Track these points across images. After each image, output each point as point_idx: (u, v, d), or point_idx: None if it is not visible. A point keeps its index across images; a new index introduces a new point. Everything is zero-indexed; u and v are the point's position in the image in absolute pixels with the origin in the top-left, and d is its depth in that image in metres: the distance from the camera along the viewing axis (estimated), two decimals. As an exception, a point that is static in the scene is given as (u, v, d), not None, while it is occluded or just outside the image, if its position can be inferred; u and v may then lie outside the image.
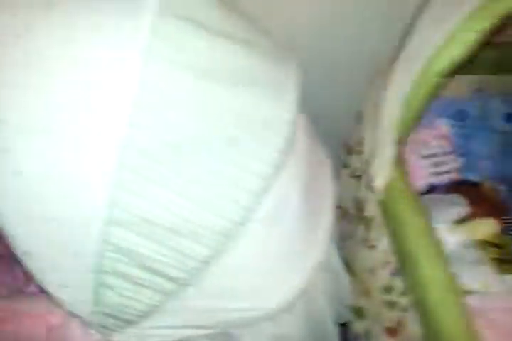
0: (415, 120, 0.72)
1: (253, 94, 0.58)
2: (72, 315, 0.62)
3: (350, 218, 0.91)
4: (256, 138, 0.58)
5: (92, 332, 0.63)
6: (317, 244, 0.68)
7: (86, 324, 0.63)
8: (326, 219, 0.71)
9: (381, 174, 0.74)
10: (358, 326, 0.88)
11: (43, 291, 0.86)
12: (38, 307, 0.67)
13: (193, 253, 0.57)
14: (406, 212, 0.72)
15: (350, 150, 0.96)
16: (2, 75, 0.51)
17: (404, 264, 0.71)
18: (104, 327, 0.62)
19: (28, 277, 0.89)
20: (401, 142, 0.71)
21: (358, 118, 0.94)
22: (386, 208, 0.77)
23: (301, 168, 0.67)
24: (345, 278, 0.84)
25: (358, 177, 0.90)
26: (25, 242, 0.55)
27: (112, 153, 0.52)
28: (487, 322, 0.66)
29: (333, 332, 0.81)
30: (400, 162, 0.74)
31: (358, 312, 0.87)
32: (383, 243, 0.79)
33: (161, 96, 0.53)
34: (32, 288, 0.91)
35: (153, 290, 0.58)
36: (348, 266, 0.86)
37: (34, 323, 0.66)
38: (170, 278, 0.58)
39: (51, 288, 0.58)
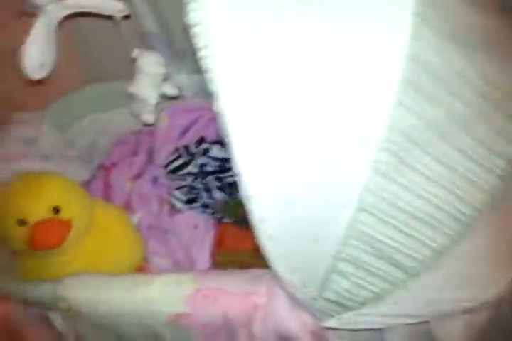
0: None
1: (501, 60, 0.54)
2: (294, 298, 0.61)
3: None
4: (503, 110, 0.54)
5: (303, 314, 0.63)
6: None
7: (299, 307, 0.63)
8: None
9: None
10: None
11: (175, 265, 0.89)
12: (238, 286, 0.67)
13: (430, 242, 0.55)
14: None
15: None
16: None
17: None
18: (321, 311, 0.61)
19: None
20: None
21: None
22: None
23: None
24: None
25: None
26: (272, 226, 0.53)
27: (374, 134, 0.49)
28: None
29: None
30: None
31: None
32: None
33: (430, 71, 0.49)
34: (157, 260, 0.93)
35: (382, 279, 0.57)
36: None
37: (237, 302, 0.66)
38: (402, 268, 0.56)
39: (281, 272, 0.57)
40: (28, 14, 0.75)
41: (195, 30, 0.49)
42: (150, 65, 0.84)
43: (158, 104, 0.89)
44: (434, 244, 0.55)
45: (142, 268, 0.89)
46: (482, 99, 0.52)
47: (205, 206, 0.96)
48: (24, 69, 0.70)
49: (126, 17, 0.81)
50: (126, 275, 0.74)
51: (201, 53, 0.49)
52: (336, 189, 0.51)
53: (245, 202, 0.53)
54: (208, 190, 0.98)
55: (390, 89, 0.48)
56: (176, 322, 0.68)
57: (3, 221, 0.76)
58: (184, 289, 0.67)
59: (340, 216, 0.52)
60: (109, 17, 0.78)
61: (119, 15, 0.77)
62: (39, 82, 0.98)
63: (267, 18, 0.49)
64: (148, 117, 0.90)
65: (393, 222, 0.53)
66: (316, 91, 0.49)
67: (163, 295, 0.68)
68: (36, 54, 0.68)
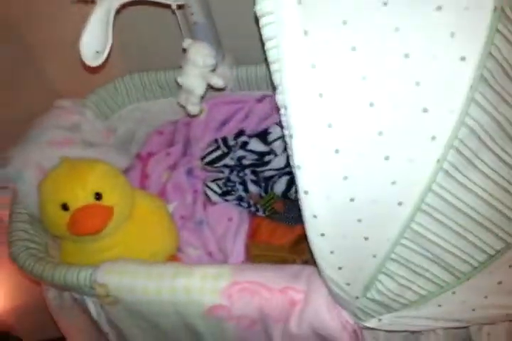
0: None
1: None
2: (335, 296, 0.61)
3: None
4: None
5: (343, 313, 0.63)
6: None
7: (339, 305, 0.62)
8: None
9: None
10: None
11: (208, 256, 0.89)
12: (276, 281, 0.66)
13: (486, 247, 0.54)
14: None
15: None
16: None
17: None
18: (362, 311, 0.61)
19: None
20: None
21: None
22: None
23: None
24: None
25: None
26: (324, 223, 0.53)
27: (443, 132, 0.48)
28: None
29: None
30: None
31: None
32: None
33: (504, 68, 0.47)
34: (190, 250, 0.93)
35: (430, 282, 0.57)
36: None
37: (274, 297, 0.65)
38: (452, 272, 0.56)
39: (327, 269, 0.57)
40: (82, 1, 0.76)
41: (265, 20, 0.49)
42: (200, 55, 0.84)
43: (204, 95, 0.89)
44: (490, 250, 0.54)
45: (175, 257, 0.90)
46: None
47: (240, 199, 0.96)
48: (82, 56, 0.70)
49: (180, 7, 0.81)
50: (166, 264, 0.75)
51: (268, 44, 0.49)
52: (395, 187, 0.51)
53: (300, 196, 0.52)
54: (243, 183, 0.98)
55: (463, 85, 0.47)
56: (211, 313, 0.68)
57: (46, 205, 0.78)
58: (221, 281, 0.68)
59: (396, 215, 0.52)
60: (165, 6, 0.78)
61: (174, 4, 0.77)
62: (83, 69, 0.99)
63: (340, 11, 0.48)
64: (193, 108, 0.90)
65: (451, 224, 0.52)
66: (387, 87, 0.48)
67: (201, 286, 0.68)
68: (94, 41, 0.69)
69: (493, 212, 0.52)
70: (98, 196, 0.76)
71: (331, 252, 0.55)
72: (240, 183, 0.98)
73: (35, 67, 1.09)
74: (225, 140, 1.01)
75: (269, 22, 0.48)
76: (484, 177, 0.51)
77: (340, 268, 0.57)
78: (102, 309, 0.76)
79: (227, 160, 0.99)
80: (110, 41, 0.70)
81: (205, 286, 0.68)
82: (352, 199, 0.52)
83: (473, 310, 0.59)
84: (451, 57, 0.47)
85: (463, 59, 0.47)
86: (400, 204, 0.51)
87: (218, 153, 0.99)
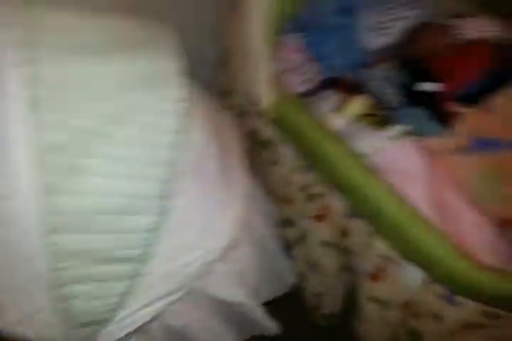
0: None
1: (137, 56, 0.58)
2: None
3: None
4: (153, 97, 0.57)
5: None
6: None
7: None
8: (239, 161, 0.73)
9: (265, 93, 0.77)
10: (291, 233, 0.94)
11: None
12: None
13: (139, 226, 0.55)
14: (303, 119, 0.80)
15: (224, 94, 0.99)
16: None
17: (313, 160, 0.81)
18: (85, 338, 0.59)
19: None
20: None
21: (224, 57, 0.95)
22: (281, 122, 0.83)
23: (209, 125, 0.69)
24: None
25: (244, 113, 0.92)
26: None
27: (32, 158, 0.49)
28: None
29: (281, 252, 0.85)
30: (275, 77, 0.78)
31: (287, 222, 0.93)
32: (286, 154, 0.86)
33: (51, 85, 0.51)
34: None
35: (115, 279, 0.57)
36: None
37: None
38: (126, 260, 0.56)
39: (12, 328, 0.55)
40: None
41: None
42: None
43: None
44: (144, 226, 0.56)
45: None
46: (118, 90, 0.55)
47: None
48: None
49: None
50: None
51: None
52: (18, 218, 0.50)
53: None
54: None
55: (20, 108, 0.50)
56: None
57: None
58: None
59: (35, 243, 0.51)
60: None
61: None
62: None
63: None
64: None
65: (90, 227, 0.53)
66: None
67: None
68: None
69: (120, 197, 0.54)
70: None
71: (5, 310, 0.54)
72: None
73: None
74: None
75: None
76: (89, 177, 0.52)
77: (22, 323, 0.54)
78: None
79: None
80: None
81: None
82: None
83: (178, 274, 0.62)
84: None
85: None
86: (30, 232, 0.50)
87: None
